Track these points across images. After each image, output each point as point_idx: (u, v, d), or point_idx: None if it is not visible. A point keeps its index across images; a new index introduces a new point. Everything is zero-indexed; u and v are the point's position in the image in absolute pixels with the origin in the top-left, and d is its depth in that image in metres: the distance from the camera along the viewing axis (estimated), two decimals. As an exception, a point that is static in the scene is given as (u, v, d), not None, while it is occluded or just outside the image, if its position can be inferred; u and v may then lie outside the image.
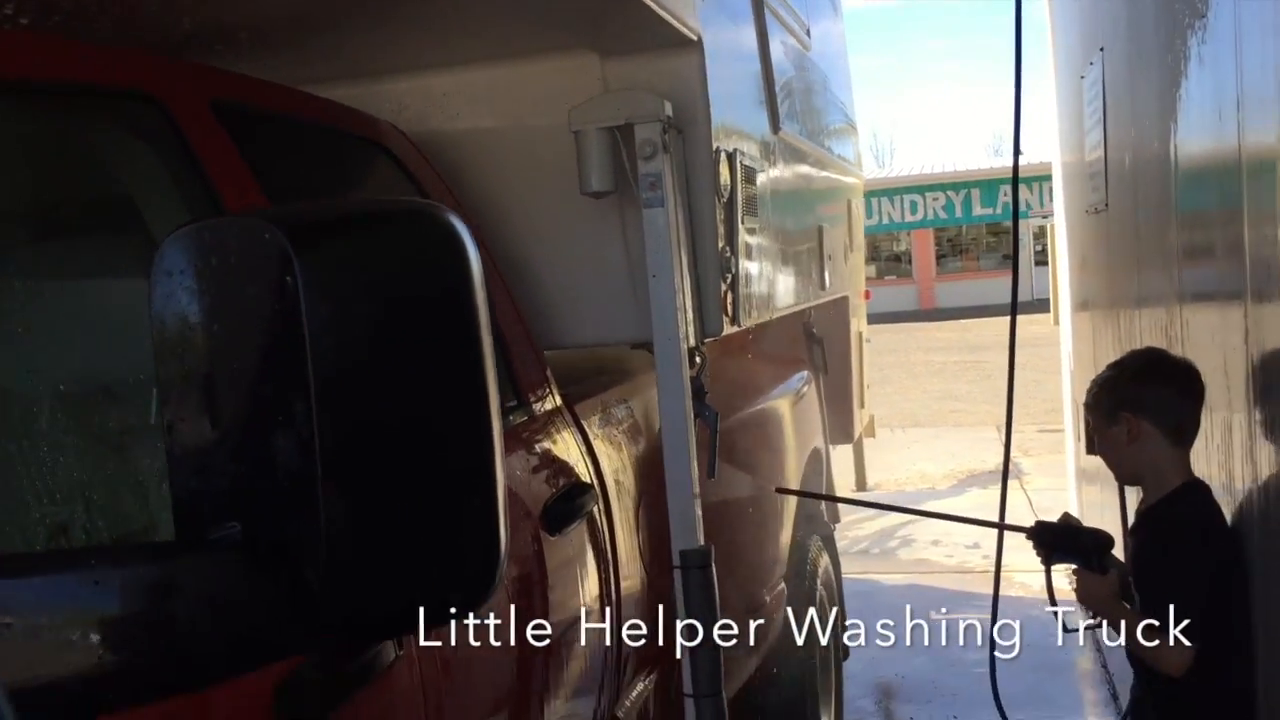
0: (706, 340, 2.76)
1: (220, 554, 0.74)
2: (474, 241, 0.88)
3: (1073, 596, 2.55)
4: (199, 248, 0.75)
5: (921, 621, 5.49)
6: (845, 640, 4.55)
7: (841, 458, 8.22)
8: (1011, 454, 7.13)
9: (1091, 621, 2.53)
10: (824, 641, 4.21)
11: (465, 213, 2.46)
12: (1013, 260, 3.98)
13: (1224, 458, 2.42)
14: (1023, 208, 28.70)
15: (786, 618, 3.64)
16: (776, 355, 4.46)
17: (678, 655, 2.51)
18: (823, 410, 4.82)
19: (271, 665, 1.30)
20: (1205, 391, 2.43)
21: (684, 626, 2.45)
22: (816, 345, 4.95)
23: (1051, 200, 7.53)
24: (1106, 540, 2.49)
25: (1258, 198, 2.06)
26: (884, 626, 5.55)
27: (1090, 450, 3.03)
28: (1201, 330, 2.62)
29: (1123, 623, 2.36)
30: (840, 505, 5.10)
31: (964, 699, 4.50)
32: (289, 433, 0.72)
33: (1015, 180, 3.72)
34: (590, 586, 2.42)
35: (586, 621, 2.36)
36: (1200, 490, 2.43)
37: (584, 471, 2.47)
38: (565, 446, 2.43)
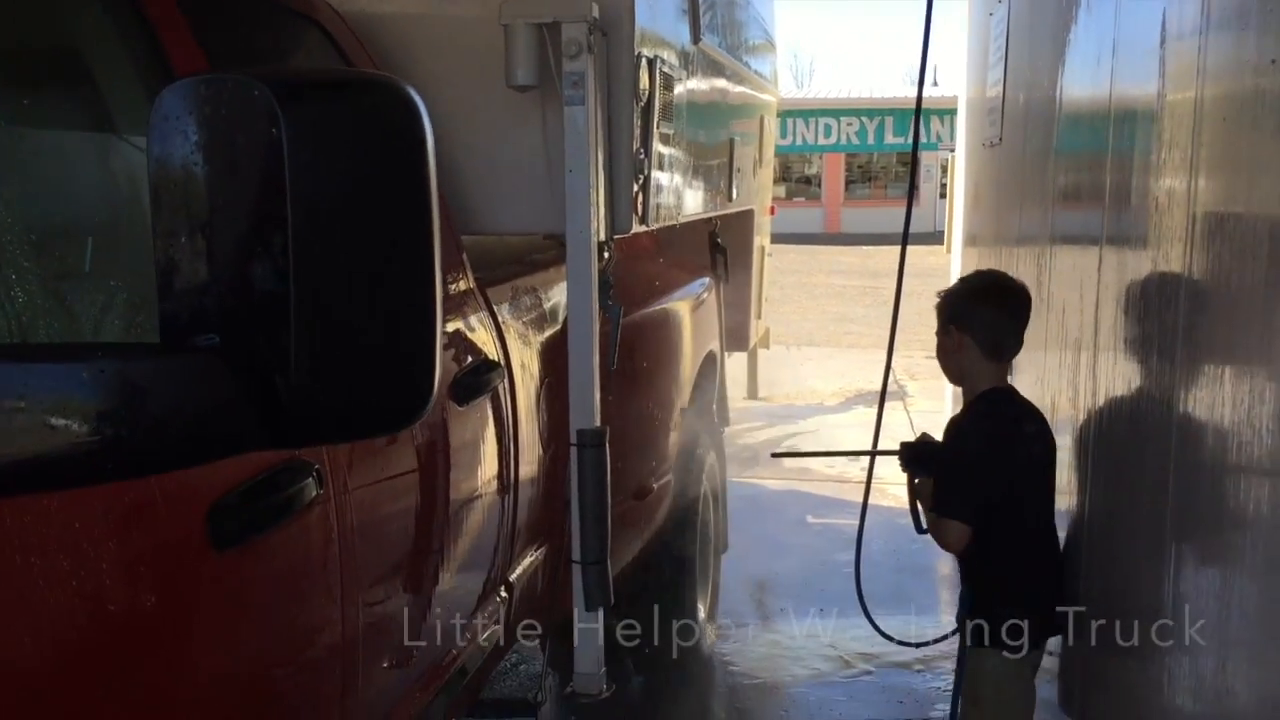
0: (616, 237, 2.91)
1: (201, 357, 0.88)
2: (428, 116, 1.02)
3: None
4: (195, 98, 0.88)
5: (799, 523, 5.82)
6: (726, 535, 4.84)
7: (735, 367, 8.50)
8: (898, 377, 7.43)
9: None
10: (708, 533, 4.47)
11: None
12: (909, 187, 4.19)
13: (1073, 374, 2.66)
14: (933, 139, 29.09)
15: (672, 507, 3.87)
16: (681, 260, 4.63)
17: (569, 527, 2.70)
18: (721, 317, 5.02)
19: (211, 491, 1.45)
20: (1029, 315, 2.73)
21: (577, 498, 2.64)
22: (719, 254, 5.13)
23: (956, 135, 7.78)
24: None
25: (1121, 143, 2.27)
26: (763, 525, 5.87)
27: None
28: (1066, 267, 2.86)
29: (928, 512, 2.78)
30: (729, 409, 5.32)
31: (832, 595, 4.80)
32: (267, 262, 0.87)
33: (918, 109, 3.91)
34: (491, 457, 2.59)
35: (487, 489, 2.53)
36: (997, 396, 2.76)
37: (492, 351, 2.62)
38: (476, 326, 2.58)
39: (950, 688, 4.04)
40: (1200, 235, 1.72)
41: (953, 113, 11.18)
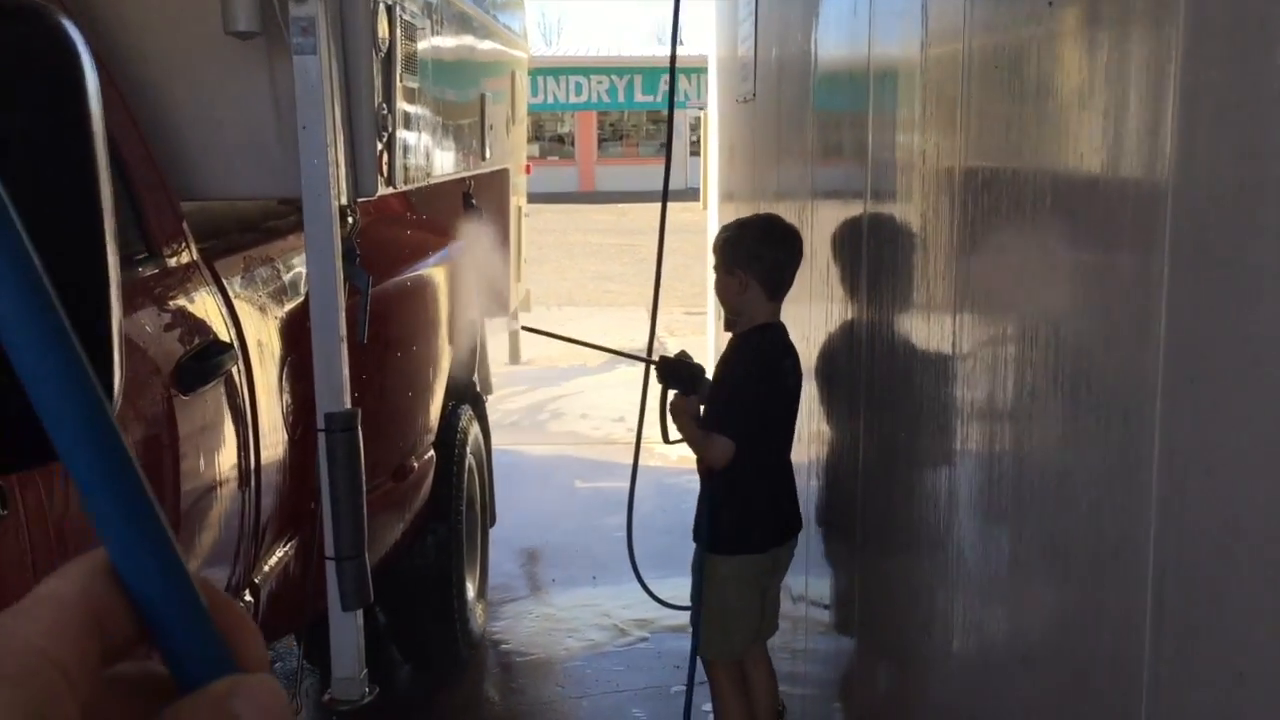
0: (360, 200, 2.67)
1: None
2: (90, 52, 0.79)
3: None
4: None
5: (567, 489, 5.69)
6: (494, 508, 4.67)
7: (495, 333, 8.30)
8: (658, 333, 7.47)
9: (678, 437, 3.05)
10: (474, 509, 4.29)
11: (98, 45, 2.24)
12: (666, 146, 4.10)
13: (835, 325, 2.64)
14: (681, 98, 29.51)
15: (434, 484, 3.67)
16: (434, 223, 4.40)
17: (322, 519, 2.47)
18: (479, 281, 4.82)
19: None
20: (803, 256, 2.91)
21: (328, 489, 2.41)
22: (475, 216, 4.92)
23: (708, 93, 7.80)
24: (700, 372, 3.05)
25: (882, 102, 2.22)
26: (531, 493, 5.73)
27: None
28: (828, 221, 2.82)
29: (686, 427, 2.96)
30: (491, 379, 5.14)
31: (604, 561, 4.73)
32: None
33: (673, 67, 3.82)
34: (227, 448, 2.33)
35: (222, 483, 2.27)
36: (771, 331, 2.93)
37: (222, 330, 2.35)
38: (202, 303, 2.30)
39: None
40: (966, 188, 1.67)
41: (701, 71, 11.27)
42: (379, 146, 2.66)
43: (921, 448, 1.99)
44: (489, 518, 4.54)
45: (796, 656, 3.45)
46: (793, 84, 3.56)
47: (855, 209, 2.57)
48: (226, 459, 2.32)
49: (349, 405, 2.44)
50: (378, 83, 2.64)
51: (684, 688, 3.49)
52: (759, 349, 2.92)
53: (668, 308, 12.29)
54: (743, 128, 5.00)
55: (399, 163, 2.83)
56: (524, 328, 3.77)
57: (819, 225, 2.99)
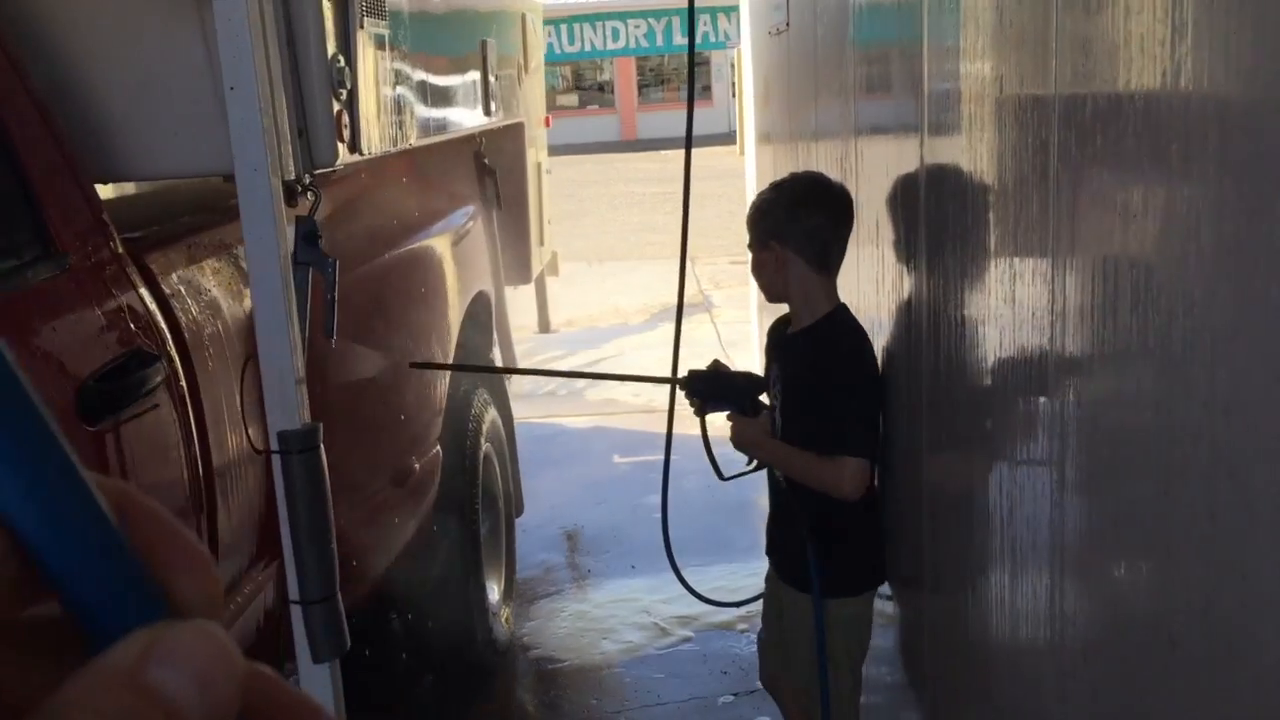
0: (320, 172, 2.26)
1: None
2: None
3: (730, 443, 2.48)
4: None
5: (604, 465, 5.29)
6: (520, 496, 4.29)
7: (523, 299, 7.90)
8: (702, 287, 6.88)
9: (748, 467, 2.48)
10: (496, 502, 3.91)
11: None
12: (689, 89, 3.65)
13: (896, 284, 2.20)
14: (719, 38, 28.76)
15: (443, 482, 3.29)
16: (437, 188, 3.98)
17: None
18: (495, 249, 4.41)
19: None
20: (854, 219, 2.38)
21: (288, 522, 2.03)
22: (489, 177, 4.51)
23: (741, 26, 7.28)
24: (757, 382, 2.46)
25: (939, 32, 1.77)
26: (564, 472, 5.34)
27: None
28: (876, 160, 2.36)
29: (785, 456, 2.37)
30: (515, 353, 4.75)
31: (643, 547, 4.34)
32: None
33: (691, 5, 3.37)
34: (165, 484, 1.95)
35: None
36: (846, 315, 2.40)
37: (152, 339, 1.96)
38: (119, 308, 1.91)
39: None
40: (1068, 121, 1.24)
41: (737, 9, 10.72)
42: (336, 107, 2.24)
43: (1004, 459, 1.55)
44: (515, 508, 4.16)
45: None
46: (829, 10, 3.10)
47: (910, 150, 2.12)
48: (166, 498, 1.94)
49: (307, 419, 2.05)
50: (330, 29, 2.22)
51: (733, 698, 3.12)
52: (853, 344, 2.35)
53: (711, 258, 11.88)
54: (777, 62, 4.51)
55: (367, 124, 2.41)
56: (412, 364, 2.98)
57: (865, 170, 2.54)
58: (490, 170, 4.50)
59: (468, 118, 3.65)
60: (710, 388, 2.42)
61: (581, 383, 7.37)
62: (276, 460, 2.01)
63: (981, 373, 1.65)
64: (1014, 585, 1.53)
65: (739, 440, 2.43)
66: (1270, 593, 0.81)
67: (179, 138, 2.18)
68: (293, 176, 2.12)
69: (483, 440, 3.64)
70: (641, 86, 32.23)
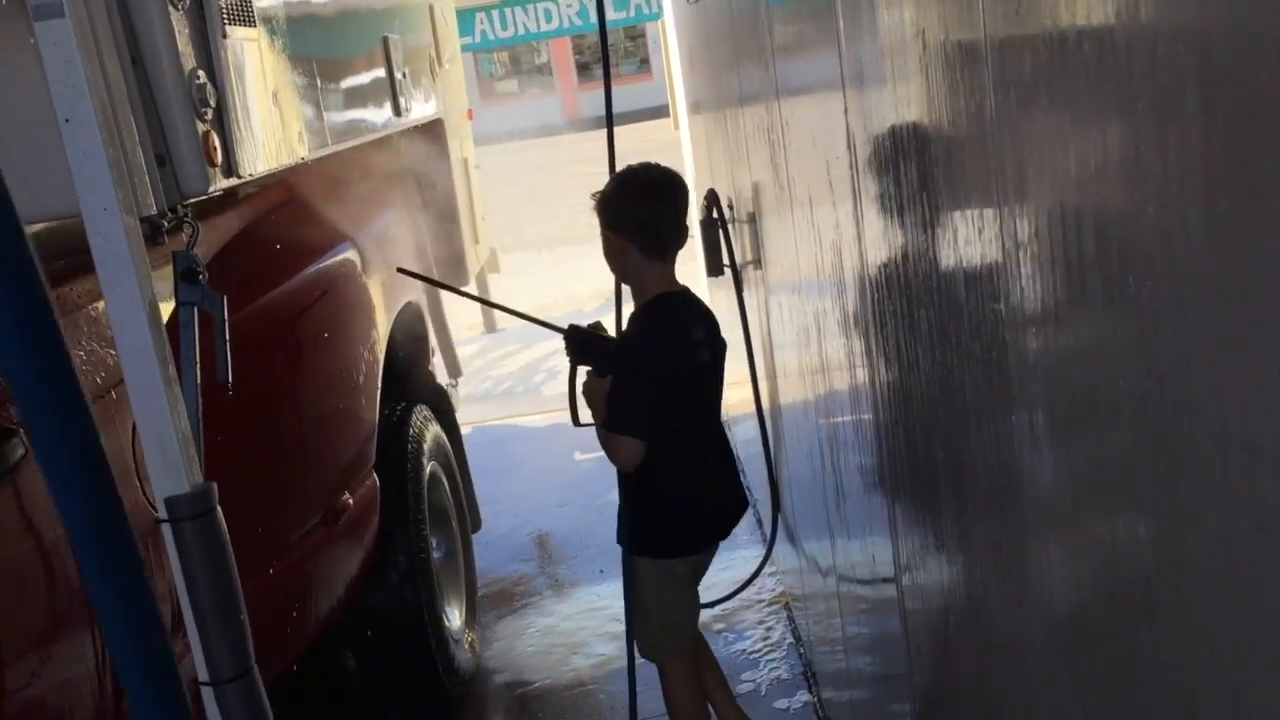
0: (191, 201, 2.05)
1: None
2: None
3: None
4: None
5: (565, 464, 5.09)
6: (477, 511, 4.09)
7: (467, 305, 7.65)
8: None
9: (590, 422, 2.72)
10: (449, 524, 3.71)
11: None
12: (604, 66, 3.45)
13: (818, 242, 2.00)
14: (654, 9, 28.38)
15: (385, 511, 3.09)
16: (353, 197, 3.76)
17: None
18: (423, 254, 4.20)
19: None
20: (685, 200, 2.56)
21: (186, 596, 1.83)
22: (411, 180, 4.29)
23: (666, -5, 7.06)
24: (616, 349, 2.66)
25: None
26: (523, 475, 5.13)
27: None
28: (800, 123, 2.16)
29: (599, 422, 2.62)
30: (458, 359, 4.54)
31: (610, 548, 4.13)
32: None
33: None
34: (29, 588, 1.74)
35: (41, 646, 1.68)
36: (665, 303, 2.58)
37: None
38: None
39: (756, 647, 3.47)
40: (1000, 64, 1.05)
41: (664, -24, 10.47)
42: (202, 127, 2.03)
43: (966, 422, 1.37)
44: (471, 523, 3.96)
45: (835, 648, 2.88)
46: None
47: (834, 107, 1.93)
48: (43, 586, 1.73)
49: (198, 479, 1.84)
50: (184, 44, 2.00)
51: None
52: (647, 330, 2.59)
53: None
54: (698, 31, 4.31)
55: (244, 143, 2.19)
56: (399, 269, 3.28)
57: (790, 133, 2.33)
58: (413, 172, 4.29)
59: (375, 120, 3.43)
60: (581, 344, 2.62)
61: (539, 378, 7.16)
62: (167, 529, 1.80)
63: (921, 338, 1.47)
64: (992, 559, 1.37)
65: (586, 394, 2.65)
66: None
67: (28, 178, 1.96)
68: (155, 211, 1.91)
69: (425, 460, 3.44)
70: (580, 66, 31.84)
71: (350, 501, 2.82)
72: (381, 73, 3.62)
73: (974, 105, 1.14)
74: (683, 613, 2.78)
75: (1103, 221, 0.88)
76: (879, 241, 1.61)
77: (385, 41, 3.65)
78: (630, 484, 2.67)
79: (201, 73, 2.03)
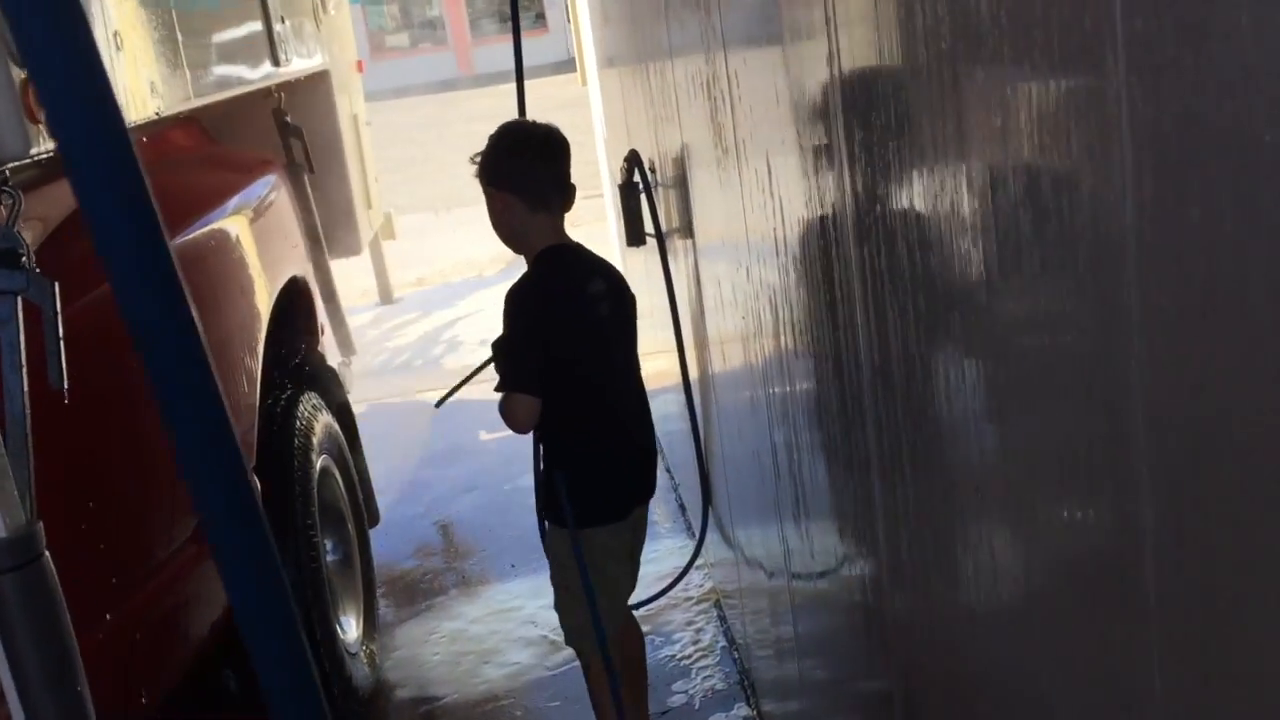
0: (9, 167, 1.66)
1: None
2: None
3: None
4: None
5: (470, 443, 4.72)
6: (374, 505, 3.73)
7: (358, 271, 7.20)
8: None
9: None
10: (343, 524, 3.35)
11: None
12: (514, 24, 3.11)
13: (778, 207, 1.70)
14: (550, -39, 27.77)
15: (271, 517, 2.71)
16: (223, 160, 3.34)
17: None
18: (312, 220, 3.79)
19: None
20: (566, 153, 2.55)
21: (3, 661, 1.46)
22: (294, 138, 3.88)
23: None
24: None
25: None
26: (425, 460, 4.76)
27: None
28: (751, 75, 1.84)
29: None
30: (351, 337, 4.16)
31: (521, 538, 3.81)
32: None
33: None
34: None
35: None
36: (554, 254, 2.51)
37: None
38: None
39: (686, 652, 3.18)
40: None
41: (563, -75, 9.97)
42: (19, 75, 1.63)
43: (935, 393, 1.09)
44: (369, 518, 3.60)
45: (779, 652, 2.60)
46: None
47: (773, 57, 1.62)
48: None
49: (20, 518, 1.47)
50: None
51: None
52: (541, 280, 2.51)
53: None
54: (611, -21, 3.95)
55: (78, 95, 1.79)
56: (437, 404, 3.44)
57: (744, 85, 2.01)
58: (294, 129, 3.87)
59: (249, 72, 3.02)
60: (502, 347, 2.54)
61: (439, 350, 6.76)
62: (-23, 585, 1.43)
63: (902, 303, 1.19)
64: (960, 534, 1.10)
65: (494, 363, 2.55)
66: None
67: None
68: (-41, 179, 1.52)
69: (315, 455, 3.07)
70: (474, 20, 31.04)
71: (226, 512, 2.44)
72: (256, 20, 3.21)
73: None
74: (619, 594, 2.67)
75: None
76: (868, 205, 1.31)
77: (259, -15, 3.23)
78: (549, 453, 2.57)
79: (16, 6, 1.64)
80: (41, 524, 1.50)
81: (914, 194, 1.16)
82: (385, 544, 3.87)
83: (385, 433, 5.13)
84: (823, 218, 1.50)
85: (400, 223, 8.70)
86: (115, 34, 1.98)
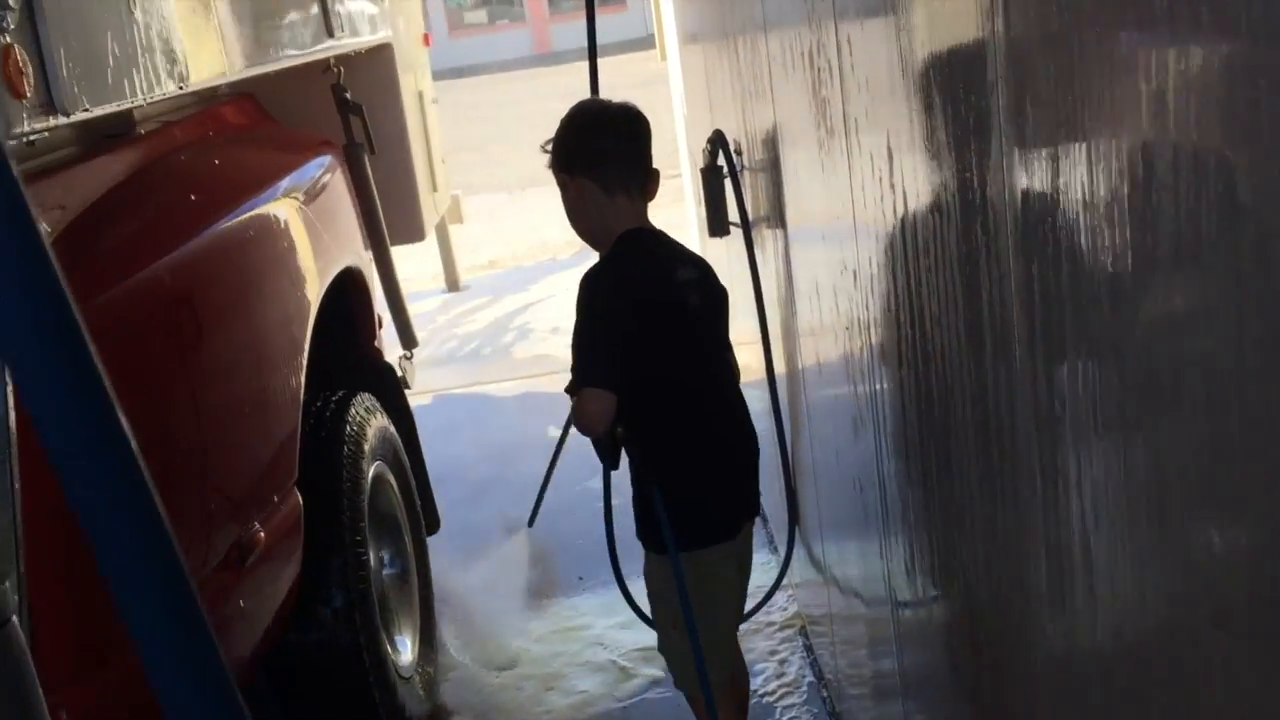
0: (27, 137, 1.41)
1: None
2: None
3: None
4: None
5: (538, 441, 4.45)
6: (434, 511, 3.48)
7: (427, 254, 6.94)
8: None
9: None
10: (400, 535, 3.11)
11: None
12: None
13: (881, 186, 1.38)
14: (629, -65, 27.44)
15: (312, 536, 2.47)
16: (275, 140, 3.10)
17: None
18: (370, 205, 3.54)
19: None
20: (646, 132, 2.32)
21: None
22: (354, 116, 3.62)
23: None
24: None
25: None
26: (492, 456, 4.50)
27: None
28: (870, 39, 1.52)
29: None
30: (413, 328, 3.90)
31: (590, 547, 3.53)
32: None
33: None
34: None
35: None
36: (635, 236, 2.28)
37: None
38: None
39: (770, 687, 2.89)
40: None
41: (643, -104, 9.66)
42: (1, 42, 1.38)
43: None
44: (427, 525, 3.35)
45: (885, 689, 2.29)
46: None
47: (901, 16, 1.31)
48: None
49: (-16, 577, 1.22)
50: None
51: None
52: (615, 265, 2.26)
53: (642, 175, 10.96)
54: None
55: (78, 66, 1.54)
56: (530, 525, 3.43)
57: (854, 50, 1.69)
58: (354, 106, 3.61)
59: (296, 41, 2.77)
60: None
61: (509, 338, 6.51)
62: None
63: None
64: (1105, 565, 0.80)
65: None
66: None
67: None
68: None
69: (367, 462, 2.82)
70: (552, -4, 30.80)
71: (262, 535, 2.19)
72: (307, -16, 2.95)
73: None
74: (730, 627, 2.45)
75: None
76: (1037, 207, 1.00)
77: (311, -55, 2.97)
78: (642, 466, 2.29)
79: (-8, -38, 1.38)
80: (10, 586, 1.26)
81: (1108, 194, 0.85)
82: (445, 551, 3.63)
83: (450, 426, 4.91)
84: (966, 218, 1.18)
85: (473, 204, 8.48)
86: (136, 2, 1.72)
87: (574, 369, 2.23)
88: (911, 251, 1.41)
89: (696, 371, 2.30)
